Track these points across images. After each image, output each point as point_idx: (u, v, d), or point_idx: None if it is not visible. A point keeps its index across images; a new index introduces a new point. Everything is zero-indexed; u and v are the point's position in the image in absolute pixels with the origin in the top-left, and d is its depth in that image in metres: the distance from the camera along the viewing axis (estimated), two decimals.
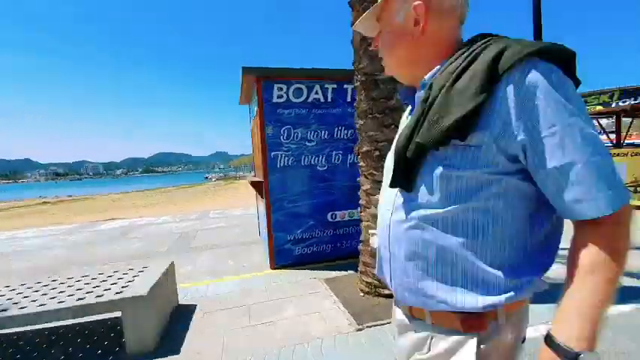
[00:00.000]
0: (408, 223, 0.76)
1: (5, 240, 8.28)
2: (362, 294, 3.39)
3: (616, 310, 2.78)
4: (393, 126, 3.17)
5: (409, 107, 0.94)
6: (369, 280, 3.35)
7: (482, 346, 0.71)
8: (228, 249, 5.94)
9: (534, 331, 2.15)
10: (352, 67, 3.46)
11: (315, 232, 4.64)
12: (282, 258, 4.53)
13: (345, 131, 4.66)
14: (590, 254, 0.60)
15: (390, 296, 3.21)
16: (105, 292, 2.66)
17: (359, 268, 3.55)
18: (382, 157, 3.20)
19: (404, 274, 0.78)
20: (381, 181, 3.24)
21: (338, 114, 4.64)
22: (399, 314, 0.90)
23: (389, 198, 0.83)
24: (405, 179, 0.75)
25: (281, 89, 4.41)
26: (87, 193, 41.53)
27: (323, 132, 4.60)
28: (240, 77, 4.52)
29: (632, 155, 7.44)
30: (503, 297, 0.68)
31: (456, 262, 0.71)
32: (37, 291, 2.81)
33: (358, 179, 3.50)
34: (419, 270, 0.75)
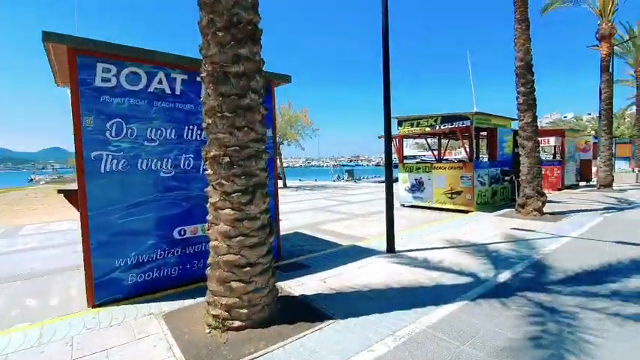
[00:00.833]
0: None
1: None
2: (208, 330, 2.79)
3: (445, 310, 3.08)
4: (246, 128, 2.73)
5: None
6: (217, 311, 2.79)
7: None
8: (35, 281, 4.32)
9: None
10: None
11: (156, 253, 3.73)
12: (106, 291, 3.44)
13: (199, 132, 3.96)
14: None
15: (244, 328, 2.74)
16: None
17: (205, 298, 2.94)
18: (233, 165, 2.72)
19: None
20: (232, 193, 2.74)
21: (189, 110, 3.91)
22: None
23: None
24: None
25: (108, 70, 3.38)
26: None
27: (169, 131, 3.77)
28: (42, 46, 3.25)
29: (449, 169, 9.31)
30: None
31: None
32: None
33: (206, 189, 2.91)
34: None
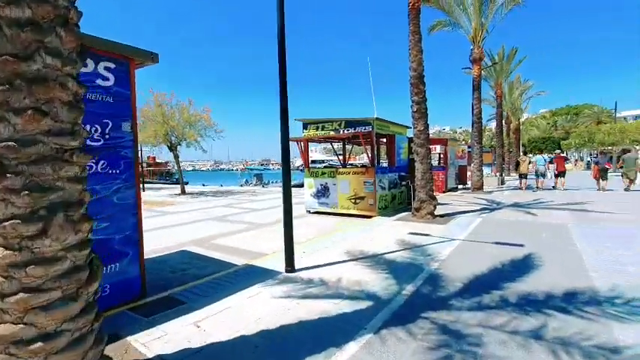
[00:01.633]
0: None
1: None
2: None
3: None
4: (33, 112, 1.64)
5: None
6: None
7: None
8: None
9: None
10: None
11: None
12: None
13: None
14: None
15: None
16: None
17: None
18: (7, 172, 1.60)
19: None
20: (4, 220, 1.60)
21: None
22: None
23: None
24: None
25: None
26: None
27: None
28: None
29: (353, 174, 9.27)
30: None
31: None
32: None
33: None
34: None
